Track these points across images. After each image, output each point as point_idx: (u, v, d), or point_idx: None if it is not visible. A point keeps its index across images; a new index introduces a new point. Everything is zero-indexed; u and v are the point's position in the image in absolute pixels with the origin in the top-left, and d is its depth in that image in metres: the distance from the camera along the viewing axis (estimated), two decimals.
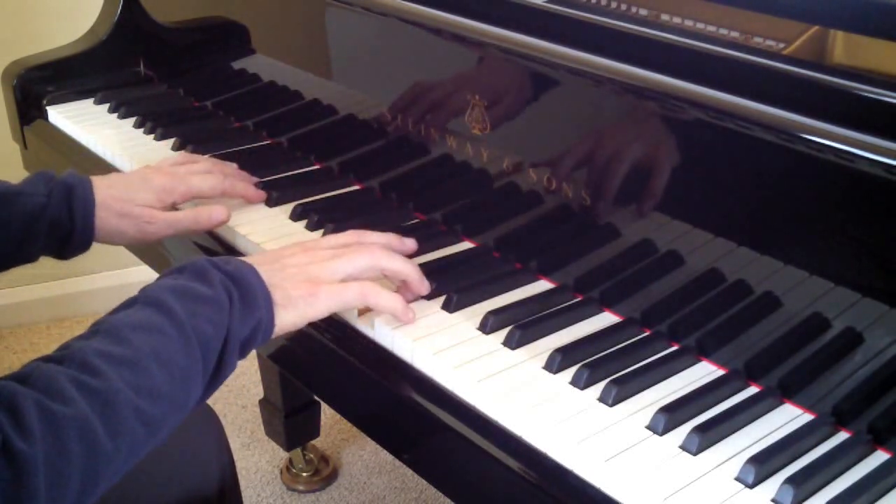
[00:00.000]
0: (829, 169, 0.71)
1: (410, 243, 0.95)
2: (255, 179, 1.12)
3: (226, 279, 0.77)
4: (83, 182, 0.98)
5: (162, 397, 0.70)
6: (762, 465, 0.70)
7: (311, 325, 0.90)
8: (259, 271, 0.80)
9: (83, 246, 0.99)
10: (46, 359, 0.68)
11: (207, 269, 0.77)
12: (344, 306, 0.86)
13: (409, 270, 0.89)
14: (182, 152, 1.10)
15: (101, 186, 0.99)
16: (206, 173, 1.06)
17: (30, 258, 0.97)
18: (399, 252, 0.92)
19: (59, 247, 0.98)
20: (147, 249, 1.22)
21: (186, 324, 0.72)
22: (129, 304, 0.75)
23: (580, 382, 0.79)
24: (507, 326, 0.86)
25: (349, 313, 0.89)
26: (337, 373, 0.91)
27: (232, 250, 1.05)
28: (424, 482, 1.45)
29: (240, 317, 0.76)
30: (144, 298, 0.74)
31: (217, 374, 0.76)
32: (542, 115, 0.93)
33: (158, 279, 0.78)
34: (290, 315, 0.81)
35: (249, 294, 0.78)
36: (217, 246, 1.06)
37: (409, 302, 0.88)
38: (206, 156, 1.14)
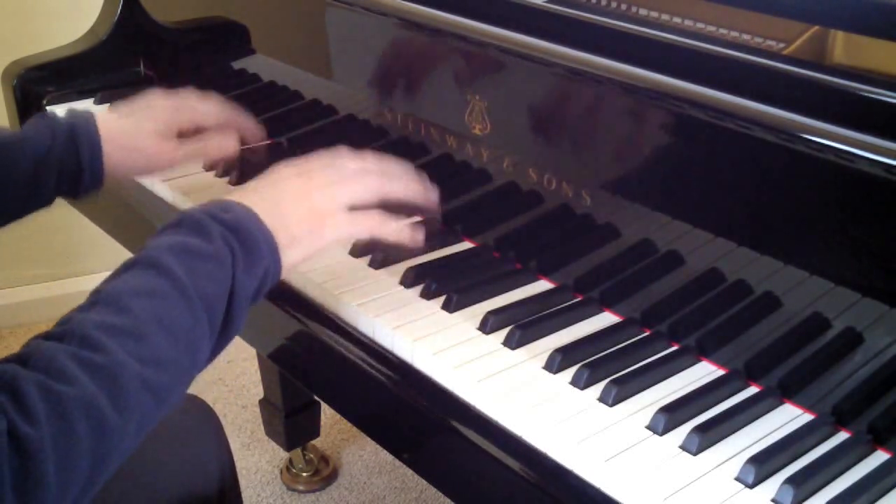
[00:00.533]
0: (829, 169, 0.71)
1: (434, 193, 0.90)
2: (262, 134, 1.11)
3: (226, 231, 0.74)
4: (87, 119, 0.97)
5: (168, 364, 0.68)
6: (762, 465, 0.70)
7: (311, 324, 0.90)
8: (259, 214, 0.77)
9: (95, 184, 0.97)
10: (46, 336, 0.66)
11: (206, 222, 0.75)
12: (349, 238, 0.84)
13: (414, 191, 0.87)
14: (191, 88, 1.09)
15: (105, 120, 0.98)
16: (210, 100, 1.05)
17: (44, 202, 0.96)
18: (419, 195, 0.88)
19: (71, 187, 0.96)
20: None
21: (188, 285, 0.70)
22: (128, 266, 0.72)
23: (580, 382, 0.79)
24: (507, 326, 0.86)
25: (348, 311, 0.89)
26: (337, 373, 0.91)
27: None
28: (424, 482, 1.45)
29: (244, 269, 0.74)
30: (143, 259, 0.72)
31: (225, 330, 0.74)
32: (542, 115, 0.93)
33: (156, 235, 0.75)
34: (296, 253, 0.79)
35: (252, 244, 0.75)
36: None
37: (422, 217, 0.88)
38: None
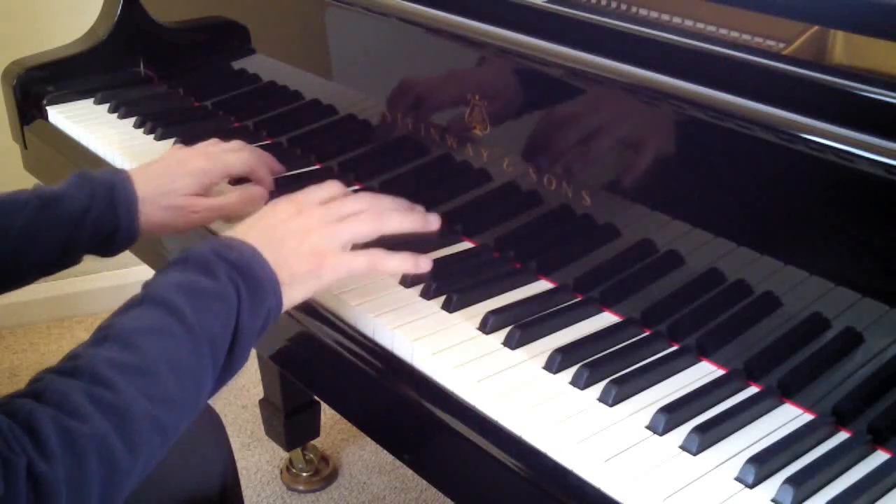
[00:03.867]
0: (829, 169, 0.71)
1: (434, 220, 0.92)
2: (281, 168, 1.13)
3: (231, 271, 0.76)
4: (123, 180, 0.97)
5: (175, 402, 0.69)
6: (762, 465, 0.70)
7: (311, 324, 0.90)
8: (262, 252, 0.78)
9: (128, 243, 0.98)
10: (58, 371, 0.67)
11: (212, 260, 0.76)
12: (351, 275, 0.85)
13: (411, 222, 0.88)
14: (214, 138, 1.10)
15: (141, 180, 0.98)
16: (238, 150, 1.06)
17: (74, 261, 0.96)
18: (418, 225, 0.90)
19: (104, 247, 0.97)
20: (147, 249, 1.22)
21: (195, 324, 0.72)
22: (136, 303, 0.73)
23: (580, 382, 0.79)
24: (507, 326, 0.86)
25: (347, 311, 0.89)
26: (337, 373, 0.91)
27: None
28: (424, 482, 1.45)
29: (250, 309, 0.75)
30: (151, 297, 0.73)
31: (227, 366, 0.75)
32: (542, 115, 0.93)
33: (163, 271, 0.77)
34: (298, 292, 0.81)
35: (257, 283, 0.76)
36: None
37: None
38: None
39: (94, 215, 0.93)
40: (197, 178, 1.01)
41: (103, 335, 0.70)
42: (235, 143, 1.08)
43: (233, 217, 1.04)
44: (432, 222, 0.91)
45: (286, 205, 0.86)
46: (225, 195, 1.03)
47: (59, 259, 0.94)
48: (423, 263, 0.87)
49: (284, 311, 0.80)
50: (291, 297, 0.80)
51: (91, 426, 0.63)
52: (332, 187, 0.89)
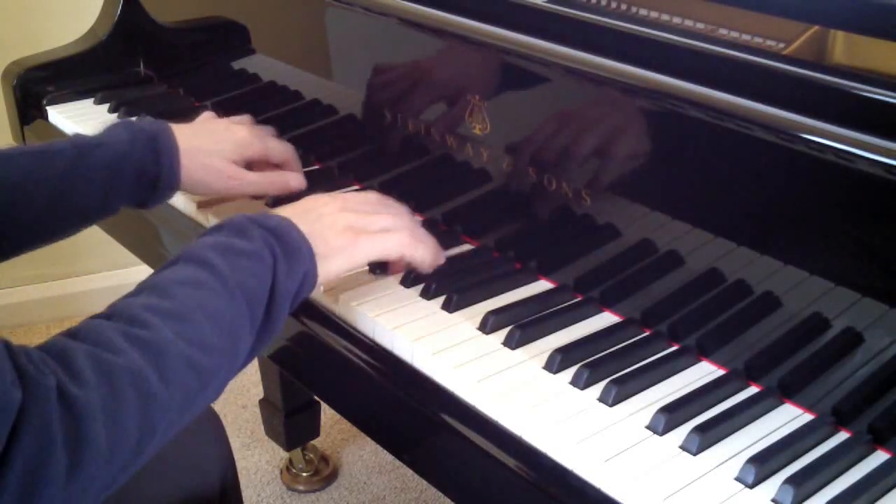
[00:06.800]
0: (829, 169, 0.71)
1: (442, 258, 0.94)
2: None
3: (267, 234, 0.78)
4: (165, 128, 0.98)
5: (212, 348, 0.71)
6: (762, 465, 0.70)
7: (311, 324, 0.90)
8: (297, 224, 0.81)
9: (169, 191, 0.98)
10: (95, 317, 0.69)
11: (247, 226, 0.78)
12: (382, 256, 0.87)
13: (433, 261, 0.91)
14: (247, 115, 1.11)
15: (185, 134, 0.99)
16: (278, 138, 1.08)
17: (113, 209, 0.96)
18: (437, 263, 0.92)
19: (145, 195, 0.97)
20: (147, 249, 1.22)
21: (229, 278, 0.74)
22: (172, 263, 0.76)
23: (580, 382, 0.79)
24: (507, 326, 0.86)
25: (348, 311, 0.89)
26: (337, 373, 0.91)
27: None
28: (424, 482, 1.45)
29: (286, 271, 0.77)
30: (186, 256, 0.76)
31: (265, 327, 0.77)
32: (543, 116, 0.93)
33: (199, 237, 0.79)
34: (333, 264, 0.83)
35: (292, 248, 0.79)
36: None
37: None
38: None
39: (134, 161, 0.94)
40: (240, 147, 1.02)
41: (140, 288, 0.73)
42: (272, 129, 1.10)
43: (262, 196, 1.05)
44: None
45: (324, 195, 0.89)
46: (263, 172, 1.04)
47: (100, 206, 0.95)
48: (441, 258, 0.91)
49: (321, 282, 0.82)
50: (327, 268, 0.82)
51: (125, 359, 0.65)
52: (369, 192, 0.93)
